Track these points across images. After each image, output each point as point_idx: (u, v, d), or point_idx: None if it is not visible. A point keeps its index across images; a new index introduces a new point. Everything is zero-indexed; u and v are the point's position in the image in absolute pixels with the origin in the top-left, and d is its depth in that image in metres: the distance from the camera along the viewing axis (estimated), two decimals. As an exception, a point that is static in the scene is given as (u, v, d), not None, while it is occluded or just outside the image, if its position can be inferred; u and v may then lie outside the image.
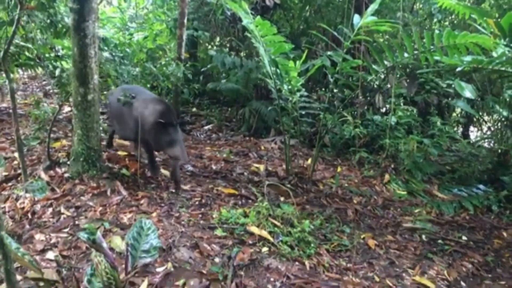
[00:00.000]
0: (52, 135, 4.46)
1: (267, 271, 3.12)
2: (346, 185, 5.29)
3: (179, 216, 3.74)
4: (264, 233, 3.55)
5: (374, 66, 4.71)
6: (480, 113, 7.61)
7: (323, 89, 7.08)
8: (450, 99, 6.83)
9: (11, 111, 6.27)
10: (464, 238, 4.37)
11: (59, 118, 5.77)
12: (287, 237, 3.59)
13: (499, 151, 6.10)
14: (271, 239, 3.52)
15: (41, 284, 2.74)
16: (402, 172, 5.78)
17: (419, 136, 5.90)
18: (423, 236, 4.29)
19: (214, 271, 2.96)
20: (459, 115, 8.78)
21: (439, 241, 4.22)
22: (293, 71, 4.53)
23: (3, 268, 2.48)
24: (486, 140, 7.32)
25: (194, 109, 8.24)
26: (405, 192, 5.35)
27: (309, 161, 5.69)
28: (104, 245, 2.31)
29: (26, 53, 6.01)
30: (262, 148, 6.34)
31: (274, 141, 6.67)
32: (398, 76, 6.28)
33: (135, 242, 2.43)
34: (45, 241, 3.14)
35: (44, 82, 9.57)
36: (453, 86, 5.89)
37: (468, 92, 4.47)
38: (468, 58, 4.07)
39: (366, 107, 6.73)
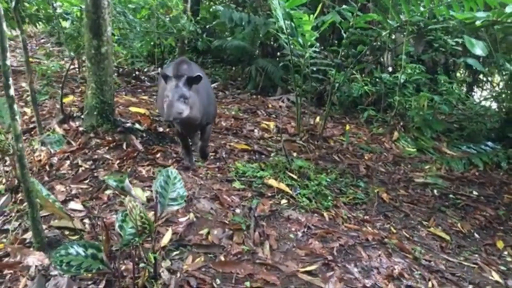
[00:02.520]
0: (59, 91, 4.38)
1: (288, 222, 3.15)
2: (355, 142, 5.29)
3: (196, 169, 3.74)
4: (282, 186, 3.57)
5: (389, 21, 4.63)
6: (487, 72, 7.56)
7: (330, 47, 6.97)
8: (457, 57, 6.76)
9: (16, 68, 6.21)
10: (475, 193, 4.43)
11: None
12: (304, 190, 3.62)
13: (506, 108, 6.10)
14: (290, 191, 3.54)
15: (66, 232, 2.77)
16: (411, 129, 5.78)
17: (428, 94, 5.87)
18: (435, 191, 4.34)
19: (237, 221, 2.99)
20: (463, 75, 8.72)
21: (451, 195, 4.27)
22: (307, 24, 4.44)
23: (29, 217, 2.49)
24: (493, 99, 7.29)
25: (198, 68, 8.12)
26: (414, 149, 5.37)
27: (318, 119, 5.68)
28: (133, 192, 2.31)
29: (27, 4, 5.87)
30: (270, 106, 6.30)
31: (282, 99, 6.62)
32: (406, 34, 6.17)
33: (163, 191, 2.41)
34: (66, 192, 3.14)
35: (42, 40, 9.36)
36: (461, 43, 5.82)
37: (479, 49, 4.41)
38: (483, 14, 4.01)
39: (374, 66, 6.66)
